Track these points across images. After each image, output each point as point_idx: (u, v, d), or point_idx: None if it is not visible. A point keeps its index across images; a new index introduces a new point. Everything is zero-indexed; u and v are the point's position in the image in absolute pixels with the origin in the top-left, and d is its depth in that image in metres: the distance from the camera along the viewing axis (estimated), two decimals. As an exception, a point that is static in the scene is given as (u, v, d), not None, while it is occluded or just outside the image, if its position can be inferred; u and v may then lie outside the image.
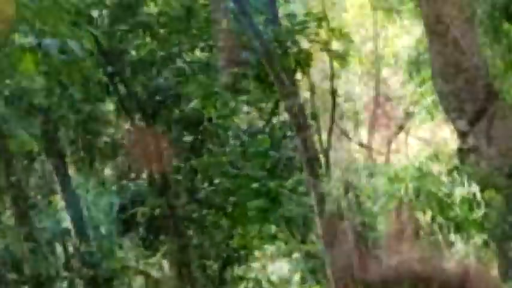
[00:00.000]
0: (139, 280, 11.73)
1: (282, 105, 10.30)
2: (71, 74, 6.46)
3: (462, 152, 7.50)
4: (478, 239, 8.04)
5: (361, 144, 18.09)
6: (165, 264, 11.97)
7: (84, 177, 12.84)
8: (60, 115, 11.19)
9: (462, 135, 7.21)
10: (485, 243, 8.06)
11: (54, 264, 10.94)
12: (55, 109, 10.83)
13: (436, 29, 6.61)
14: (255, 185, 10.69)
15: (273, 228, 11.73)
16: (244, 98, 10.82)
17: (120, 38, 9.86)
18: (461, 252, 9.32)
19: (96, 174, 13.01)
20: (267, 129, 11.96)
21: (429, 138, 16.88)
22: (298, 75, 10.68)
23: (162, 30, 10.01)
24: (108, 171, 13.25)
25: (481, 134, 6.96)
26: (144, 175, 11.69)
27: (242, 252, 11.95)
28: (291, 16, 10.90)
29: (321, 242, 8.59)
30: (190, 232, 11.14)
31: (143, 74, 10.18)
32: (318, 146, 10.70)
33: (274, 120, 12.02)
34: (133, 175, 12.29)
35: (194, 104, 10.75)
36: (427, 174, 8.06)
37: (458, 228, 7.86)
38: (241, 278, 12.36)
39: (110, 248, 11.60)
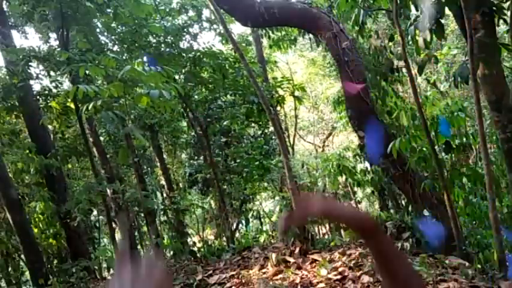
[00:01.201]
0: (199, 210, 18.00)
1: (270, 123, 14.84)
2: (165, 107, 10.51)
3: (360, 146, 12.14)
4: (369, 190, 15.63)
5: (310, 142, 30.58)
6: (212, 203, 18.52)
7: (171, 158, 20.82)
8: (160, 127, 17.23)
9: (361, 138, 11.21)
10: (372, 192, 14.93)
11: (157, 202, 16.04)
12: (157, 124, 16.81)
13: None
14: (257, 163, 16.15)
15: (265, 184, 18.47)
16: (252, 119, 15.84)
17: (189, 89, 14.47)
18: (359, 196, 18.91)
19: (177, 157, 21.28)
20: (263, 135, 18.34)
21: (344, 139, 26.60)
22: (278, 108, 16.46)
23: (210, 85, 14.54)
24: (184, 156, 21.08)
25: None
26: (201, 158, 17.86)
27: (250, 196, 18.60)
28: (274, 78, 18.56)
29: (290, 191, 11.58)
30: (225, 186, 16.58)
31: (201, 107, 15.19)
32: (288, 143, 18.86)
33: (266, 130, 18.15)
34: (196, 158, 18.78)
35: (226, 122, 16.29)
36: (343, 157, 13.76)
37: (358, 184, 13.63)
38: (250, 209, 19.01)
39: (184, 194, 17.94)
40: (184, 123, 18.17)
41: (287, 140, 19.84)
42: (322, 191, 16.46)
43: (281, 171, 15.79)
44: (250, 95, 14.22)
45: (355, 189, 17.00)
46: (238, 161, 17.07)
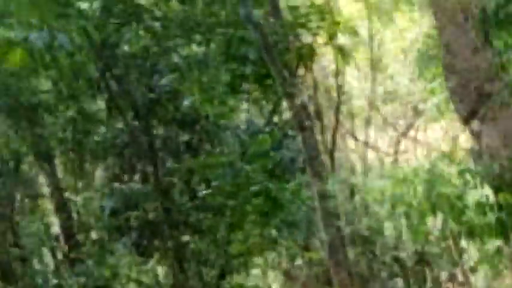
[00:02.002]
0: None
1: (283, 103, 10.34)
2: (60, 69, 6.84)
3: (475, 153, 7.40)
4: (492, 245, 8.06)
5: (367, 145, 17.33)
6: (160, 271, 11.87)
7: (74, 179, 12.82)
8: (48, 113, 11.16)
9: (475, 135, 7.08)
10: (499, 250, 8.06)
11: (43, 272, 11.10)
12: (43, 107, 10.83)
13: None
14: (254, 188, 10.58)
15: (274, 233, 11.47)
16: (243, 95, 10.86)
17: (112, 32, 9.63)
18: (473, 259, 10.46)
19: (87, 176, 12.96)
20: (268, 129, 11.70)
21: (440, 137, 16.44)
22: (301, 71, 10.57)
23: (156, 23, 9.80)
24: (99, 173, 13.11)
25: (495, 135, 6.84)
26: (137, 177, 11.62)
27: (241, 259, 11.75)
28: (292, 8, 10.60)
29: (325, 249, 8.59)
30: (187, 237, 11.08)
31: (136, 70, 10.06)
32: (321, 146, 10.93)
33: (275, 119, 11.95)
34: (125, 177, 12.03)
35: (190, 101, 10.59)
36: (438, 175, 7.95)
37: (470, 234, 7.77)
38: (241, 287, 12.21)
39: (102, 254, 11.50)
40: (102, 104, 11.66)
41: (320, 138, 11.64)
42: (394, 248, 10.98)
43: (308, 207, 10.41)
44: (241, 43, 9.37)
45: (464, 243, 9.98)
46: (215, 183, 10.86)
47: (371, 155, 17.40)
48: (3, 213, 10.99)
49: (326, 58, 12.19)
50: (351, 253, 9.69)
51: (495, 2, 7.67)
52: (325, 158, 11.11)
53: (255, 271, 12.96)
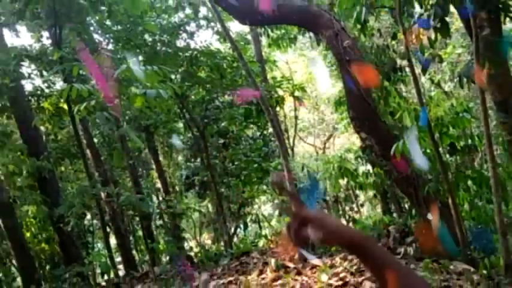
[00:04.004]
0: (196, 214, 18.49)
1: (268, 125, 15.12)
2: (161, 107, 10.95)
3: (362, 148, 11.89)
4: (371, 193, 16.01)
5: (310, 144, 30.50)
6: (209, 206, 19.08)
7: (168, 160, 20.45)
8: (155, 128, 17.00)
9: (363, 139, 11.11)
10: (375, 195, 15.38)
11: (152, 206, 16.07)
12: (153, 126, 16.48)
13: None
14: (255, 165, 16.59)
15: (264, 187, 18.62)
16: (251, 120, 16.33)
17: (186, 89, 14.32)
18: (362, 199, 19.51)
19: (174, 159, 20.86)
20: (262, 136, 18.40)
21: (345, 141, 27.63)
22: (278, 109, 16.50)
23: (208, 85, 14.65)
24: (180, 158, 21.01)
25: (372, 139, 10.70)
26: (198, 160, 17.79)
27: (249, 200, 18.79)
28: (273, 78, 19.07)
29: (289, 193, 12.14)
30: (223, 189, 16.77)
31: (198, 108, 15.10)
32: (287, 145, 18.66)
33: (265, 132, 18.30)
34: (193, 160, 18.63)
35: (224, 124, 16.59)
36: (345, 159, 13.55)
37: (361, 187, 13.49)
38: (249, 213, 18.99)
39: (181, 197, 18.25)
40: (181, 124, 18.19)
41: (287, 141, 19.81)
42: (323, 194, 16.35)
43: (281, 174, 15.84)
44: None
45: (357, 192, 17.17)
46: (236, 163, 17.20)
47: (312, 149, 30.15)
48: (133, 177, 16.59)
49: (290, 102, 18.30)
50: (302, 197, 13.65)
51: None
52: (289, 150, 18.36)
53: (255, 206, 20.83)
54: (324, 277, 8.36)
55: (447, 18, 8.14)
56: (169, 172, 20.67)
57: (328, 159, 14.29)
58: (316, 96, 29.89)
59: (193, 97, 15.45)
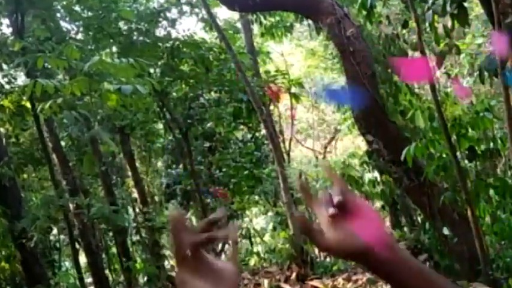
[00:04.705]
0: None
1: (261, 125, 15.30)
2: (138, 105, 11.20)
3: (369, 152, 11.98)
4: (378, 204, 14.50)
5: (309, 148, 29.49)
6: (193, 219, 18.53)
7: (146, 167, 20.65)
8: (132, 130, 16.97)
9: (369, 142, 11.09)
10: (382, 207, 14.60)
11: (128, 219, 16.63)
12: (129, 127, 16.46)
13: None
14: (246, 172, 16.84)
15: (256, 198, 19.28)
16: (241, 120, 16.35)
17: (166, 85, 14.43)
18: None
19: (152, 165, 21.18)
20: (253, 139, 18.60)
21: (349, 144, 28.07)
22: (272, 107, 16.77)
23: (192, 80, 14.83)
24: (160, 164, 21.42)
25: (380, 142, 10.62)
26: (181, 166, 18.14)
27: (239, 212, 19.18)
28: (267, 72, 18.12)
29: (285, 206, 12.85)
30: (208, 200, 17.06)
31: (180, 106, 15.37)
32: (283, 149, 17.23)
33: (257, 134, 18.42)
34: (174, 166, 19.08)
35: (210, 124, 16.91)
36: (348, 165, 13.66)
37: (366, 198, 12.43)
38: (238, 227, 18.62)
39: (161, 209, 18.41)
40: (161, 126, 18.31)
41: (282, 145, 19.37)
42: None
43: (275, 182, 15.94)
44: (239, 92, 14.32)
45: None
46: (224, 170, 17.34)
47: (311, 153, 29.19)
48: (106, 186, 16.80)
49: (286, 100, 18.33)
50: (299, 208, 13.76)
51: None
52: (284, 155, 16.98)
53: (246, 219, 21.34)
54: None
55: (465, 4, 8.12)
56: (147, 180, 20.65)
57: (330, 165, 14.00)
58: (315, 92, 29.21)
59: (174, 94, 15.52)
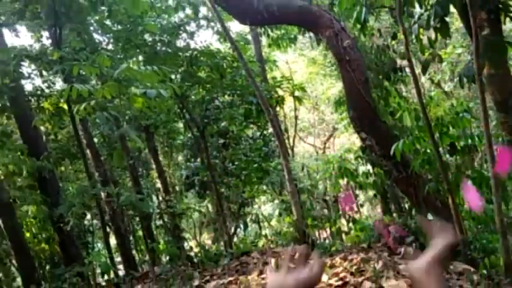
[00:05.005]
0: (196, 214, 18.78)
1: (268, 125, 15.38)
2: (161, 107, 11.39)
3: (362, 148, 12.17)
4: (371, 193, 15.64)
5: (310, 144, 30.96)
6: (209, 206, 19.38)
7: (168, 160, 20.61)
8: (155, 128, 17.20)
9: (363, 139, 11.29)
10: (375, 195, 15.33)
11: (152, 206, 15.92)
12: (153, 126, 16.71)
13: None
14: (255, 165, 16.90)
15: (264, 187, 19.17)
16: (251, 120, 16.29)
17: (186, 89, 14.35)
18: (361, 199, 20.73)
19: (174, 159, 21.16)
20: (262, 136, 18.62)
21: (345, 141, 28.55)
22: (278, 108, 16.72)
23: (208, 85, 14.70)
24: (180, 158, 21.38)
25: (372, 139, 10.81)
26: (198, 160, 17.84)
27: (249, 200, 19.10)
28: (273, 78, 19.16)
29: (289, 194, 12.45)
30: (223, 189, 17.04)
31: (198, 108, 15.15)
32: (287, 145, 19.33)
33: (265, 132, 18.42)
34: (193, 160, 18.70)
35: (224, 124, 16.79)
36: (345, 159, 13.67)
37: (361, 187, 13.53)
38: (249, 213, 19.34)
39: (181, 197, 18.73)
40: (181, 125, 18.16)
41: (287, 141, 20.09)
42: (323, 194, 16.80)
43: (281, 174, 16.07)
44: (249, 95, 14.32)
45: (357, 192, 17.32)
46: (236, 163, 17.25)
47: (312, 149, 30.66)
48: (133, 177, 17.03)
49: (290, 102, 18.93)
50: (302, 197, 14.52)
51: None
52: (289, 150, 18.75)
53: (255, 206, 21.15)
54: (324, 277, 8.36)
55: (447, 18, 8.14)
56: (169, 172, 20.67)
57: (328, 160, 14.41)
58: (316, 96, 30.39)
59: (193, 97, 15.49)
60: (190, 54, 13.98)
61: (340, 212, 16.00)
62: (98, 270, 14.10)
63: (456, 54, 16.59)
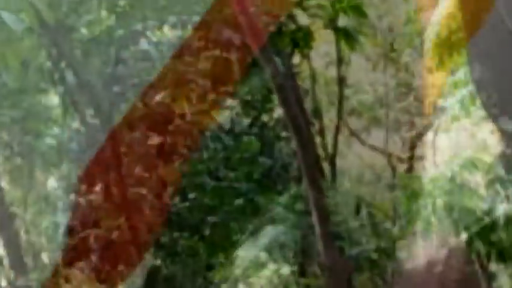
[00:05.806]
0: None
1: (274, 98, 8.99)
2: (5, 56, 5.69)
3: (506, 158, 6.79)
4: None
5: (376, 148, 15.54)
6: None
7: (22, 191, 11.42)
8: None
9: (507, 136, 6.31)
10: None
11: None
12: None
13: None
14: (239, 200, 9.59)
15: (263, 256, 9.77)
16: (227, 87, 9.23)
17: (68, 11, 8.40)
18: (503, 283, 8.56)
19: (37, 186, 11.64)
20: (256, 129, 10.71)
21: (464, 140, 12.68)
22: (296, 59, 9.94)
23: (122, 2, 8.47)
24: (52, 183, 11.60)
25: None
26: (98, 188, 9.89)
27: (224, 286, 9.97)
28: None
29: (325, 274, 7.54)
30: (158, 261, 9.67)
31: (98, 58, 8.94)
32: (320, 150, 10.65)
33: (265, 117, 10.62)
34: (84, 188, 10.32)
35: (162, 96, 9.35)
36: (461, 186, 7.40)
37: (502, 256, 7.03)
38: None
39: (55, 282, 9.99)
40: (55, 101, 10.89)
41: (319, 140, 11.81)
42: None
43: (303, 223, 9.37)
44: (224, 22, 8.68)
45: (493, 267, 8.54)
46: (192, 195, 10.31)
47: (381, 161, 15.51)
48: None
49: (326, 44, 10.50)
50: (356, 280, 8.63)
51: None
52: (324, 164, 10.59)
53: None
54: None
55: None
56: (25, 219, 12.74)
57: (422, 187, 8.22)
58: (388, 27, 15.83)
59: (85, 32, 9.67)
60: None
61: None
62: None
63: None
